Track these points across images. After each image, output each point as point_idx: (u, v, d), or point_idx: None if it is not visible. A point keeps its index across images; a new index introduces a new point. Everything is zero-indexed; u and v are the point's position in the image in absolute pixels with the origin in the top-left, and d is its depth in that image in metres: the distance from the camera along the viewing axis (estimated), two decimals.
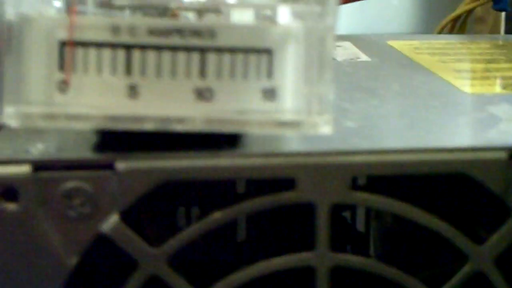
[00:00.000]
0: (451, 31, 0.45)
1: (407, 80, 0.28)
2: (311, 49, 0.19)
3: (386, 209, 0.20)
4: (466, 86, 0.27)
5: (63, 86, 0.18)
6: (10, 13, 0.18)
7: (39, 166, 0.18)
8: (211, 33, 0.18)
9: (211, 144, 0.19)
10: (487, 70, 0.31)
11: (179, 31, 0.18)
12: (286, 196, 0.19)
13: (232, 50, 0.18)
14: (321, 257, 0.20)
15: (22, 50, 0.18)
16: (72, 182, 0.18)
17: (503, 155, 0.20)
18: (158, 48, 0.18)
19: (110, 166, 0.19)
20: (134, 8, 0.19)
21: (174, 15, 0.19)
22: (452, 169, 0.20)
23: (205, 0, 0.19)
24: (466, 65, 0.31)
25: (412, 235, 0.23)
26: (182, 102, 0.18)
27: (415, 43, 0.37)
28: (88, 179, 0.18)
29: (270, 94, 0.19)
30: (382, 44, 0.37)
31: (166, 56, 0.18)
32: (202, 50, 0.18)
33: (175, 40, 0.18)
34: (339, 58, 0.33)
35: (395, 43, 0.37)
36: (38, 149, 0.19)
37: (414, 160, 0.19)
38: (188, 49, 0.18)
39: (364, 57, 0.33)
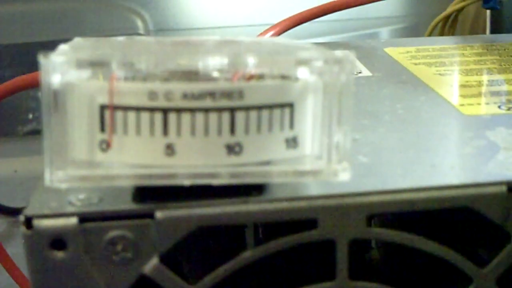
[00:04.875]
0: (442, 30, 0.47)
1: (410, 102, 0.30)
2: (329, 102, 0.20)
3: (398, 242, 0.22)
4: (464, 106, 0.29)
5: (105, 146, 0.20)
6: (56, 82, 0.19)
7: (84, 217, 0.20)
8: (239, 94, 0.20)
9: (240, 191, 0.21)
10: (482, 84, 0.32)
11: (211, 94, 0.19)
12: (310, 235, 0.21)
13: (259, 107, 0.20)
14: (342, 286, 0.22)
15: (67, 114, 0.20)
16: (115, 231, 0.20)
17: (502, 188, 0.22)
18: (192, 110, 0.19)
19: (150, 215, 0.20)
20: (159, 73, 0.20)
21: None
22: (456, 204, 0.22)
23: (227, 62, 0.20)
24: (462, 79, 0.33)
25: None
26: (214, 157, 0.20)
27: (411, 50, 0.39)
28: (130, 227, 0.20)
29: (292, 142, 0.21)
30: (380, 53, 0.38)
31: (199, 117, 0.19)
32: (232, 110, 0.20)
33: (207, 102, 0.19)
34: None
35: (392, 51, 0.39)
36: (81, 200, 0.21)
37: (423, 198, 0.21)
38: (219, 110, 0.20)
39: (365, 71, 0.35)
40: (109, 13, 0.60)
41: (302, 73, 0.21)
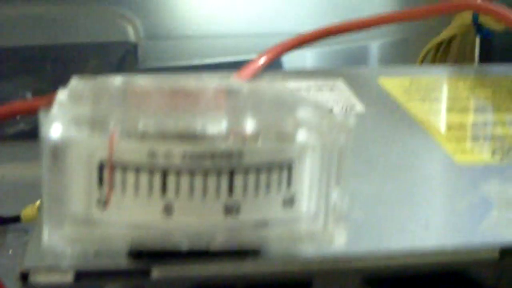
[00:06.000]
0: (434, 56, 0.47)
1: (404, 146, 0.30)
2: (327, 162, 0.21)
3: None
4: (457, 152, 0.29)
5: (103, 204, 0.20)
6: (55, 138, 0.19)
7: (80, 273, 0.20)
8: (239, 155, 0.20)
9: (237, 252, 0.21)
10: (476, 125, 0.33)
11: (211, 156, 0.19)
12: None
13: (257, 169, 0.20)
14: None
15: (66, 170, 0.20)
16: None
17: (495, 254, 0.22)
18: (191, 171, 0.19)
19: (145, 274, 0.20)
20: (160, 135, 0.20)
21: None
22: (450, 269, 0.22)
23: (226, 124, 0.20)
24: (456, 118, 0.33)
25: None
26: (212, 217, 0.20)
27: (405, 82, 0.39)
28: (126, 285, 0.20)
29: (289, 201, 0.21)
30: (373, 85, 0.39)
31: (198, 178, 0.19)
32: (231, 171, 0.20)
33: (207, 164, 0.19)
34: (335, 108, 0.34)
35: (385, 82, 0.39)
36: (77, 251, 0.21)
37: (416, 263, 0.22)
38: (218, 171, 0.19)
39: (358, 106, 0.35)
40: (100, 19, 0.60)
41: (302, 133, 0.21)
